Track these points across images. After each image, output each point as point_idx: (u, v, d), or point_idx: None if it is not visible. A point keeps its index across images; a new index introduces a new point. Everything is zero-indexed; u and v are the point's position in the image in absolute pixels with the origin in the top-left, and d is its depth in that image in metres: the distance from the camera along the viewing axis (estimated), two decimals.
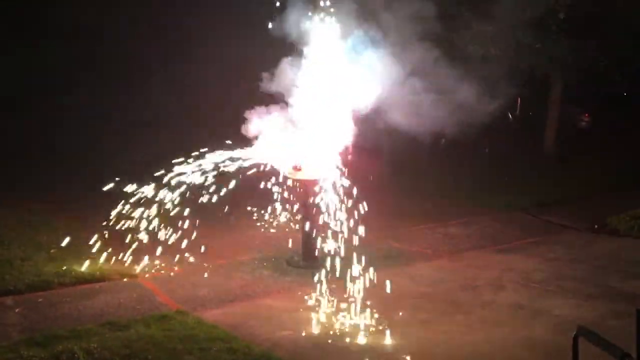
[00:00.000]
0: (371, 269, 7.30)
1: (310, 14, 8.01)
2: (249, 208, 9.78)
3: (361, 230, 7.90)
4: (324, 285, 7.03)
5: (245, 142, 8.27)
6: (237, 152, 8.17)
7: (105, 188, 8.16)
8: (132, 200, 7.97)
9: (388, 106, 9.79)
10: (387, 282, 7.18)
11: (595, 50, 12.98)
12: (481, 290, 7.15)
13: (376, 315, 6.41)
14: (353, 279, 7.05)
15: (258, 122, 8.16)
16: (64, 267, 7.50)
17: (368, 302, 6.62)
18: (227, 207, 8.73)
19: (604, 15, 12.35)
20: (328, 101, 8.02)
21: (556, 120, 15.84)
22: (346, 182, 8.02)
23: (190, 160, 8.06)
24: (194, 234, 8.24)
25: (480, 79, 14.19)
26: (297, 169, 8.18)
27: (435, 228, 10.06)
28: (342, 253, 7.56)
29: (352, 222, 7.87)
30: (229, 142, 8.23)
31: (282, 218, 9.77)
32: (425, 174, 14.63)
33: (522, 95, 22.04)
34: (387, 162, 15.05)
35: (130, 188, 7.97)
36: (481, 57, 12.55)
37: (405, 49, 10.46)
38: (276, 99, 8.23)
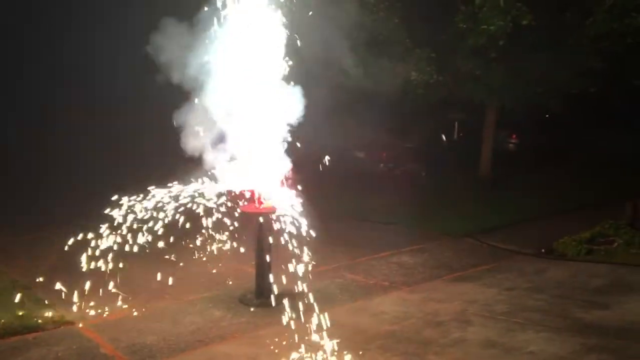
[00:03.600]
0: (331, 305, 6.95)
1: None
2: (196, 243, 9.09)
3: (315, 261, 7.50)
4: (283, 326, 6.51)
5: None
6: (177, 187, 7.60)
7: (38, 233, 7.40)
8: (67, 240, 7.28)
9: (325, 127, 9.49)
10: (350, 320, 6.77)
11: (533, 77, 13.28)
12: (448, 326, 6.86)
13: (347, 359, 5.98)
14: (314, 318, 6.53)
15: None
16: None
17: (334, 344, 6.14)
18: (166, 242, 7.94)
19: (544, 44, 12.66)
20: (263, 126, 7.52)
21: (490, 145, 16.11)
22: (295, 212, 7.52)
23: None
24: (135, 273, 7.55)
25: (418, 105, 14.25)
26: (248, 200, 7.69)
27: (388, 257, 9.83)
28: (298, 288, 7.04)
29: (304, 253, 7.40)
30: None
31: (229, 252, 9.16)
32: (360, 198, 14.51)
33: (457, 120, 22.57)
34: (323, 187, 14.76)
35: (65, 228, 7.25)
36: (424, 84, 12.58)
37: (341, 74, 10.20)
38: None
